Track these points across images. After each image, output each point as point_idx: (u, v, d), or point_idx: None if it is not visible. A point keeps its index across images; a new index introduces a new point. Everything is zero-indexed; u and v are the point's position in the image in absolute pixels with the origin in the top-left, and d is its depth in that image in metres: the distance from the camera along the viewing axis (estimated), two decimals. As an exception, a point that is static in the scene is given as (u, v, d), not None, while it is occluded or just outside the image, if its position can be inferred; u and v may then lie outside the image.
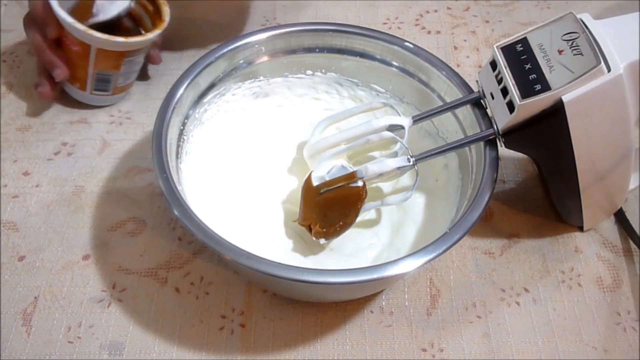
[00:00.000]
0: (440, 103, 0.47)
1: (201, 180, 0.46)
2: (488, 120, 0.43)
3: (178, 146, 0.44)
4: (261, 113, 0.51)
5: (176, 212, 0.38)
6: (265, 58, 0.49)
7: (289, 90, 0.52)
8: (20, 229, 0.48)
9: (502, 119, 0.40)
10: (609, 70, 0.37)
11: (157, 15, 0.54)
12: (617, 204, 0.47)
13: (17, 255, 0.47)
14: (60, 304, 0.44)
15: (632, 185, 0.47)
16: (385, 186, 0.49)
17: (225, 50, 0.47)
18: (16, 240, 0.47)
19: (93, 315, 0.44)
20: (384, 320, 0.44)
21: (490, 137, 0.42)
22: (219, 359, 0.42)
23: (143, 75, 0.59)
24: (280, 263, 0.36)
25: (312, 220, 0.44)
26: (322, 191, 0.43)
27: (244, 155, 0.50)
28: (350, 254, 0.45)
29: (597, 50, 0.37)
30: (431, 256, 0.36)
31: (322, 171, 0.44)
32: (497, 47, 0.41)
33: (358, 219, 0.43)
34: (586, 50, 0.37)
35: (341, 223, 0.43)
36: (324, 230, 0.43)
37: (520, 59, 0.40)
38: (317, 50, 0.50)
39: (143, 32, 0.55)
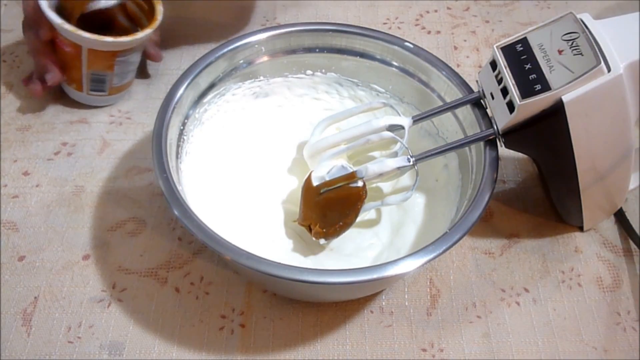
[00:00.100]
0: (440, 103, 0.47)
1: (201, 180, 0.46)
2: (488, 120, 0.43)
3: (178, 146, 0.44)
4: (261, 113, 0.51)
5: (176, 212, 0.38)
6: (265, 58, 0.49)
7: (289, 90, 0.52)
8: (20, 229, 0.48)
9: (502, 119, 0.40)
10: (609, 70, 0.37)
11: (151, 14, 0.54)
12: (617, 204, 0.47)
13: (17, 255, 0.47)
14: (60, 304, 0.44)
15: (632, 185, 0.47)
16: (385, 186, 0.49)
17: (225, 50, 0.47)
18: (16, 240, 0.47)
19: (93, 315, 0.44)
20: (384, 320, 0.44)
21: (490, 137, 0.42)
22: (219, 359, 0.42)
23: (143, 74, 0.59)
24: (280, 263, 0.36)
25: (312, 220, 0.44)
26: (322, 191, 0.43)
27: (244, 155, 0.50)
28: (350, 254, 0.45)
29: (597, 50, 0.37)
30: (431, 256, 0.36)
31: (322, 171, 0.44)
32: (497, 47, 0.41)
33: (358, 219, 0.43)
34: (586, 50, 0.37)
35: (341, 223, 0.43)
36: (324, 230, 0.43)
37: (520, 59, 0.40)
38: (317, 50, 0.50)
39: (140, 30, 0.55)
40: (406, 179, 0.48)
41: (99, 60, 0.52)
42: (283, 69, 0.50)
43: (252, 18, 0.65)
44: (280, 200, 0.48)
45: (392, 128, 0.44)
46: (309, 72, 0.51)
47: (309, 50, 0.50)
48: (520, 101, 0.38)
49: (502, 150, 0.42)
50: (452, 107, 0.45)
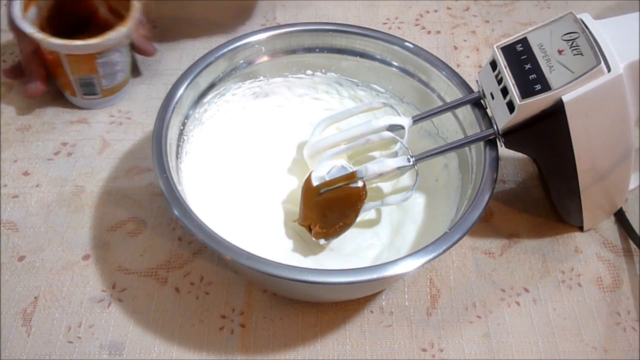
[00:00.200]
0: (440, 103, 0.47)
1: (201, 180, 0.46)
2: (488, 120, 0.43)
3: (178, 146, 0.44)
4: (261, 113, 0.51)
5: (176, 212, 0.38)
6: (265, 58, 0.49)
7: (289, 90, 0.52)
8: (20, 229, 0.48)
9: (502, 119, 0.40)
10: (609, 70, 0.37)
11: (129, 9, 0.53)
12: (617, 204, 0.47)
13: (17, 255, 0.46)
14: (60, 304, 0.44)
15: (632, 185, 0.47)
16: (385, 186, 0.49)
17: (225, 50, 0.47)
18: (16, 240, 0.47)
19: (93, 315, 0.44)
20: (384, 320, 0.44)
21: (490, 137, 0.42)
22: (219, 359, 0.42)
23: (136, 72, 0.59)
24: (280, 263, 0.36)
25: (312, 220, 0.44)
26: (322, 191, 0.43)
27: (244, 155, 0.50)
28: (350, 254, 0.45)
29: (597, 50, 0.37)
30: (431, 256, 0.36)
31: (322, 171, 0.44)
32: (497, 47, 0.41)
33: (358, 219, 0.43)
34: (586, 50, 0.37)
35: (341, 223, 0.43)
36: (324, 230, 0.43)
37: (520, 59, 0.40)
38: (317, 50, 0.50)
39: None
40: (406, 179, 0.48)
41: (79, 64, 0.51)
42: (283, 69, 0.50)
43: (252, 18, 0.65)
44: (280, 200, 0.48)
45: (392, 128, 0.44)
46: (309, 72, 0.51)
47: (309, 50, 0.50)
48: (520, 101, 0.38)
49: (502, 150, 0.42)
50: (452, 107, 0.45)
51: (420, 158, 0.42)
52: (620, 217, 0.49)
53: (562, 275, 0.46)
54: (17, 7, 0.50)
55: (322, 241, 0.44)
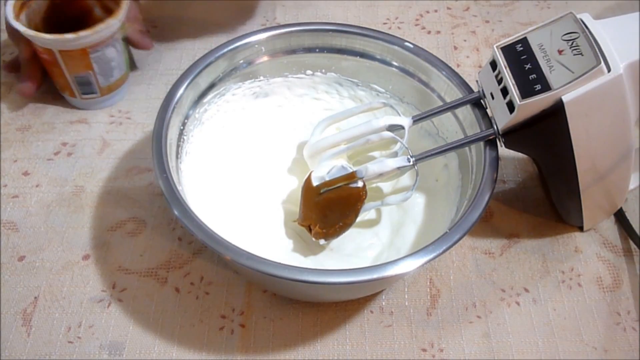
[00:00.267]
0: (440, 103, 0.47)
1: (201, 180, 0.46)
2: (488, 120, 0.43)
3: (178, 146, 0.44)
4: (261, 113, 0.51)
5: (176, 212, 0.38)
6: (265, 58, 0.49)
7: (289, 90, 0.52)
8: (20, 229, 0.48)
9: (502, 119, 0.40)
10: (609, 70, 0.37)
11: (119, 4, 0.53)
12: (617, 204, 0.47)
13: (17, 255, 0.47)
14: (60, 304, 0.44)
15: (632, 185, 0.47)
16: (385, 186, 0.49)
17: (225, 50, 0.47)
18: (16, 240, 0.47)
19: (93, 315, 0.44)
20: (384, 320, 0.44)
21: (490, 137, 0.42)
22: (219, 359, 0.42)
23: (132, 66, 0.59)
24: (280, 263, 0.36)
25: (311, 220, 0.44)
26: (322, 191, 0.43)
27: (244, 155, 0.50)
28: (350, 254, 0.45)
29: (597, 50, 0.37)
30: (431, 256, 0.36)
31: (322, 171, 0.44)
32: (497, 47, 0.41)
33: (358, 219, 0.43)
34: (586, 50, 0.37)
35: (341, 224, 0.43)
36: (324, 230, 0.43)
37: (520, 59, 0.40)
38: (317, 50, 0.50)
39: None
40: (406, 179, 0.48)
41: (74, 61, 0.51)
42: (283, 69, 0.50)
43: (252, 18, 0.65)
44: (280, 200, 0.48)
45: (392, 128, 0.44)
46: (309, 72, 0.51)
47: (309, 50, 0.50)
48: (520, 101, 0.38)
49: (502, 150, 0.42)
50: (452, 107, 0.45)
51: (420, 158, 0.42)
52: (620, 217, 0.49)
53: (562, 275, 0.46)
54: (9, 8, 0.50)
55: (322, 241, 0.44)
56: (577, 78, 0.37)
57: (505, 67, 0.40)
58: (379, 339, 0.43)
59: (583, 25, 0.38)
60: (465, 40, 0.64)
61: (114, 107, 0.57)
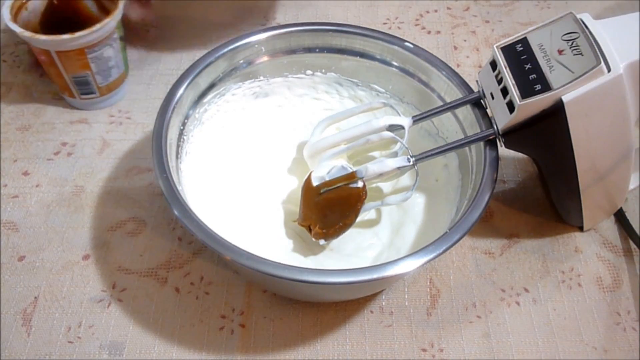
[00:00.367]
0: (440, 103, 0.47)
1: (201, 180, 0.46)
2: (488, 120, 0.43)
3: (178, 146, 0.44)
4: (261, 113, 0.51)
5: (176, 212, 0.38)
6: (265, 58, 0.49)
7: (289, 90, 0.52)
8: (20, 229, 0.48)
9: (502, 119, 0.40)
10: (609, 70, 0.37)
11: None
12: (617, 204, 0.47)
13: (17, 255, 0.47)
14: (60, 304, 0.44)
15: (632, 185, 0.47)
16: (385, 186, 0.49)
17: (225, 50, 0.47)
18: (16, 240, 0.47)
19: (93, 315, 0.44)
20: (384, 320, 0.44)
21: (490, 137, 0.42)
22: (219, 359, 0.42)
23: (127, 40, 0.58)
24: (280, 263, 0.36)
25: (311, 220, 0.44)
26: (322, 191, 0.43)
27: (244, 155, 0.50)
28: (350, 254, 0.45)
29: (597, 50, 0.37)
30: (431, 256, 0.36)
31: (322, 171, 0.44)
32: (497, 47, 0.41)
33: (358, 219, 0.43)
34: (586, 50, 0.37)
35: (341, 224, 0.43)
36: (324, 230, 0.43)
37: (520, 59, 0.40)
38: (317, 50, 0.50)
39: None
40: (406, 179, 0.48)
41: (71, 61, 0.51)
42: (283, 69, 0.50)
43: (252, 18, 0.65)
44: (280, 200, 0.48)
45: (392, 128, 0.44)
46: (309, 72, 0.51)
47: (309, 50, 0.50)
48: (520, 101, 0.38)
49: (502, 150, 0.42)
50: (452, 107, 0.45)
51: (420, 158, 0.42)
52: (620, 217, 0.49)
53: (562, 275, 0.46)
54: (6, 10, 0.50)
55: (322, 241, 0.44)
56: (577, 78, 0.37)
57: (505, 67, 0.40)
58: (379, 339, 0.43)
59: (583, 25, 0.38)
60: (465, 40, 0.64)
61: (113, 107, 0.57)
